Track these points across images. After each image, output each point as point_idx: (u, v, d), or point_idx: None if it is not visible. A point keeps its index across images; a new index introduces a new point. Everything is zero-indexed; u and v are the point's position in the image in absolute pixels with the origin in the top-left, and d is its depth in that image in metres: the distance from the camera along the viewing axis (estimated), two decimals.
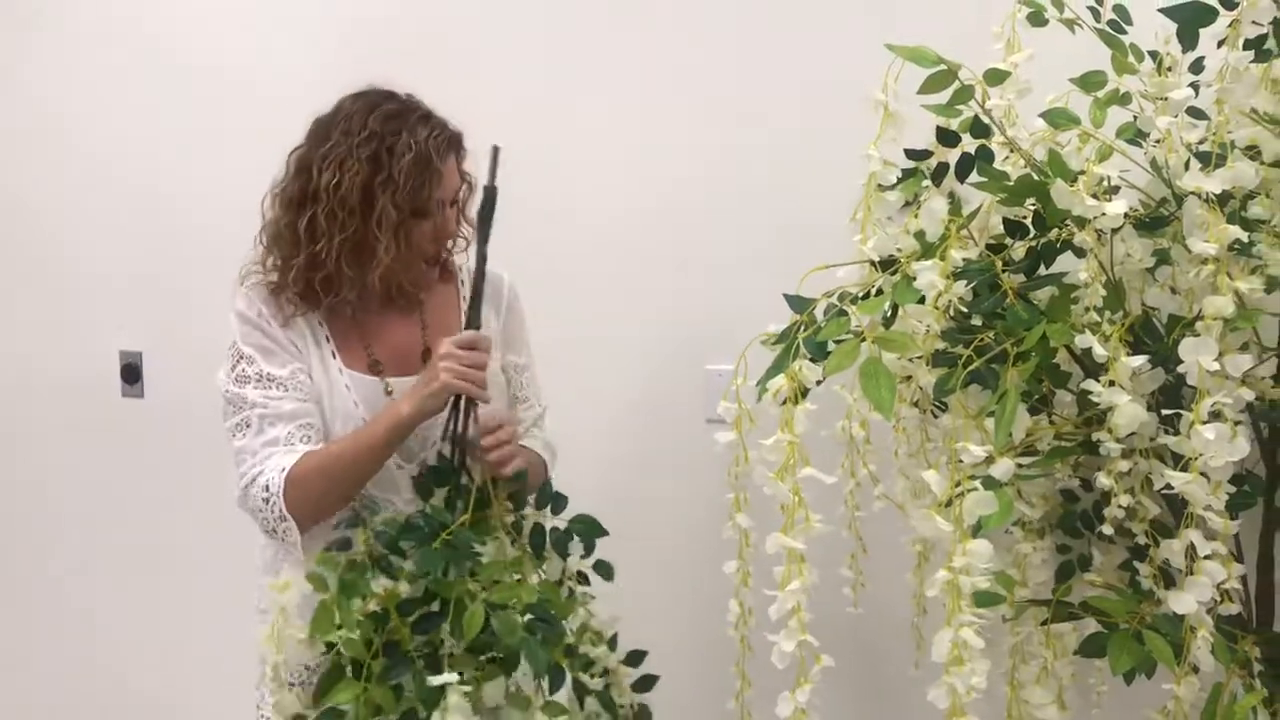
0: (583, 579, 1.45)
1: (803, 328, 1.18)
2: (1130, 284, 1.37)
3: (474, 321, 1.42)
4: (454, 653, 1.20)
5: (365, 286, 1.41)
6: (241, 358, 1.42)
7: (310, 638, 1.19)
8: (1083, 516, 1.39)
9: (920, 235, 1.20)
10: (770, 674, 1.17)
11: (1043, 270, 1.33)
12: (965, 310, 1.21)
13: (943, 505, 1.11)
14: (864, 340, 1.10)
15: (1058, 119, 1.29)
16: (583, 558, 1.45)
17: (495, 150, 1.39)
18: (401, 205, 1.37)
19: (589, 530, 1.45)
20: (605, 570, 1.45)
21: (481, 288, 1.41)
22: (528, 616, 1.23)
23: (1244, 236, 1.13)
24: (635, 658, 1.44)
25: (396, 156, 1.37)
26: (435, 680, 1.16)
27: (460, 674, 1.17)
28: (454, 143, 1.43)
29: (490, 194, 1.40)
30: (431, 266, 1.48)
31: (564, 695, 1.32)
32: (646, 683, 1.45)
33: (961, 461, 1.13)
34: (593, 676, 1.38)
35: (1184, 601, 1.11)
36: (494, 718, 1.23)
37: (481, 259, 1.41)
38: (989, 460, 1.15)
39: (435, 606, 1.24)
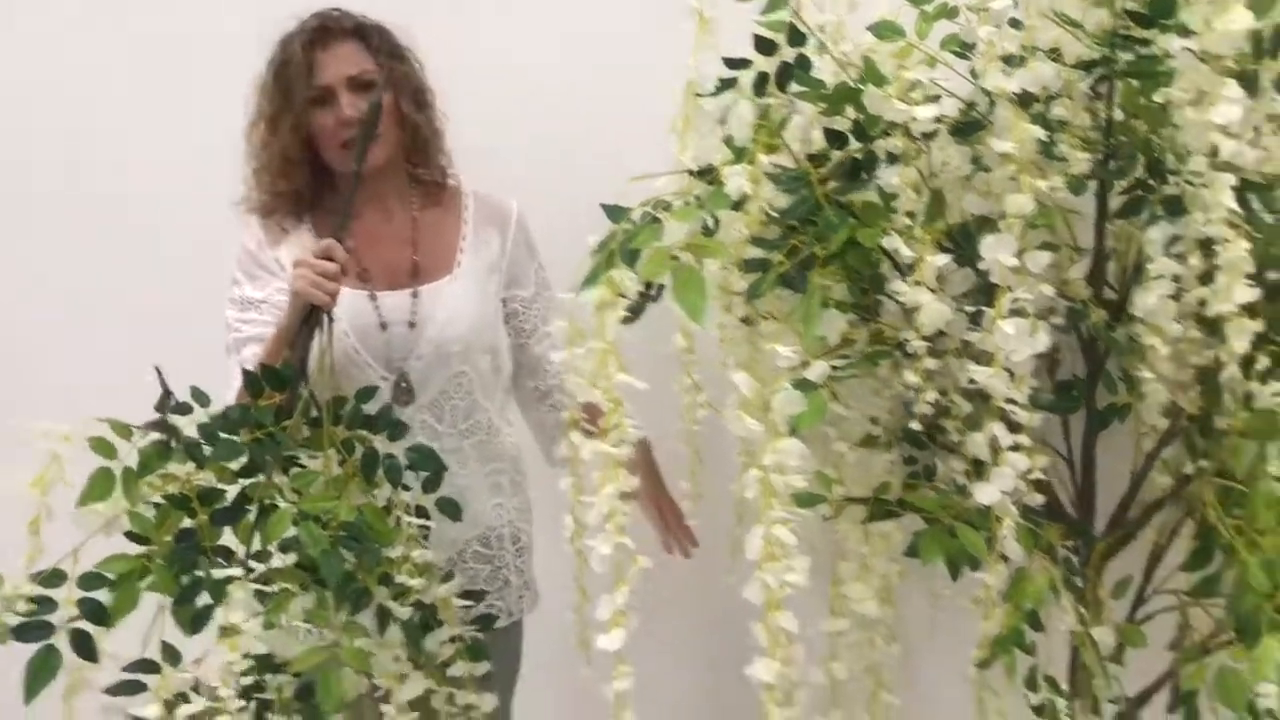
0: (422, 513, 1.42)
1: (619, 237, 1.18)
2: (950, 192, 1.40)
3: (340, 233, 1.42)
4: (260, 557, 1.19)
5: (306, 188, 1.51)
6: (234, 282, 1.54)
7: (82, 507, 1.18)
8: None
9: (729, 141, 1.20)
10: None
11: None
12: (778, 216, 1.22)
13: (758, 407, 1.13)
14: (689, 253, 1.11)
15: (883, 31, 1.31)
16: (426, 492, 1.44)
17: (387, 69, 1.48)
18: (274, 99, 1.49)
19: (423, 462, 1.42)
20: (450, 509, 1.44)
21: (352, 199, 1.44)
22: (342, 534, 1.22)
23: (1043, 136, 1.16)
24: (474, 596, 1.46)
25: (271, 58, 1.51)
26: (222, 573, 1.15)
27: (248, 569, 1.15)
28: (324, 33, 1.50)
29: (372, 109, 1.44)
30: (343, 150, 1.49)
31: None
32: (486, 621, 1.45)
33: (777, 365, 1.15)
34: (403, 605, 1.35)
35: (988, 492, 1.15)
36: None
37: (354, 175, 1.44)
38: (805, 364, 1.17)
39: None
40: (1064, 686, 1.29)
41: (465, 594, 1.46)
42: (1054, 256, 1.41)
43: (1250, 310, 1.21)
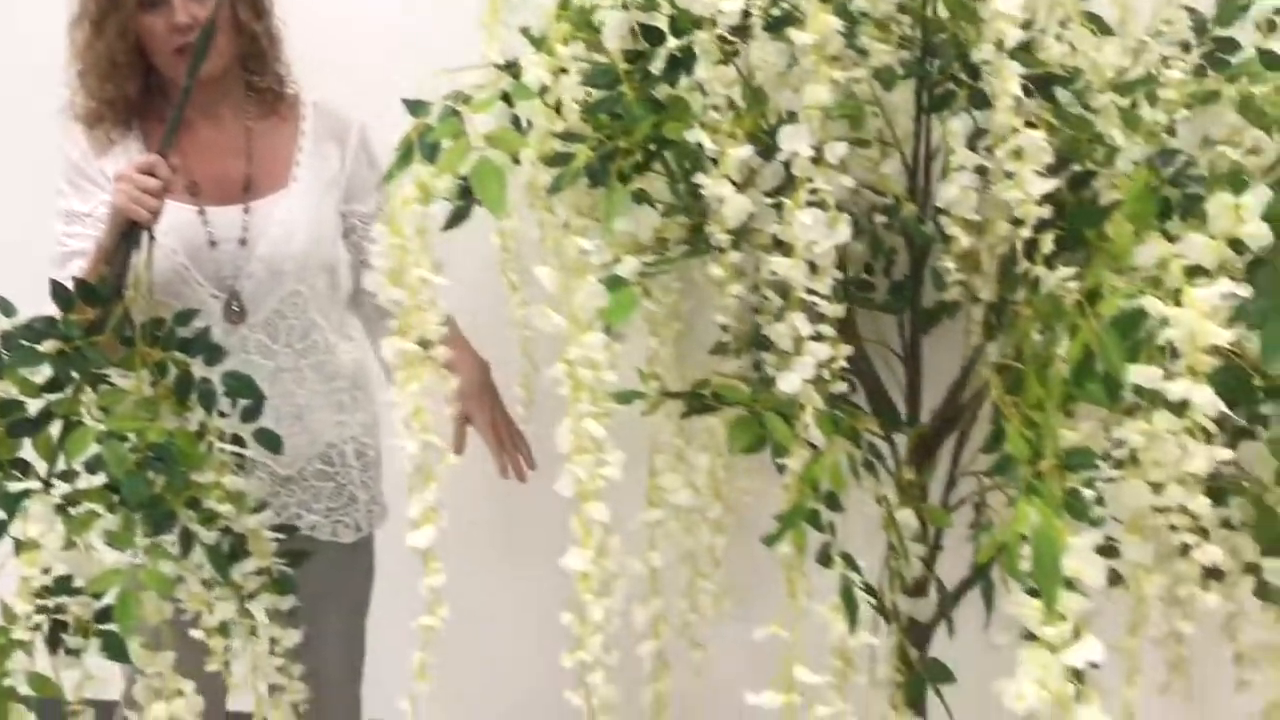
0: (238, 442, 1.40)
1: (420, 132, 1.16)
2: (770, 88, 1.41)
3: (165, 148, 1.37)
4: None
5: (135, 95, 1.46)
6: (60, 194, 1.49)
7: None
8: None
9: (527, 31, 1.19)
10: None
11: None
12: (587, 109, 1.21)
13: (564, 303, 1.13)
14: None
15: None
16: (245, 421, 1.41)
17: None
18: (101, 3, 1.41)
19: (240, 389, 1.39)
20: (270, 440, 1.41)
21: (181, 113, 1.38)
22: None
23: (840, 26, 1.17)
24: (285, 530, 1.44)
25: None
26: (18, 486, 1.12)
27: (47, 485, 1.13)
28: None
29: (206, 29, 1.38)
30: (176, 56, 1.43)
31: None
32: (298, 556, 1.44)
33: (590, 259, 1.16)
34: (209, 530, 1.33)
35: (790, 380, 1.18)
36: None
37: (184, 90, 1.38)
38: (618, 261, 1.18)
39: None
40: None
41: (279, 527, 1.43)
42: (867, 152, 1.46)
43: (1051, 200, 1.26)
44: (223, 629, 1.36)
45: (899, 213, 1.40)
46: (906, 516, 1.29)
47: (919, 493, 1.38)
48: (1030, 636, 0.91)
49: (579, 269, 1.15)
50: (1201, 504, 1.02)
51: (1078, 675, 1.06)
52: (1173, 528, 1.03)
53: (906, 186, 1.50)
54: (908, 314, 1.55)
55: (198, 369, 1.37)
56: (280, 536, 1.41)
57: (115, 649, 1.21)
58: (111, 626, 1.17)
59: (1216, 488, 1.24)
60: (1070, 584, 0.91)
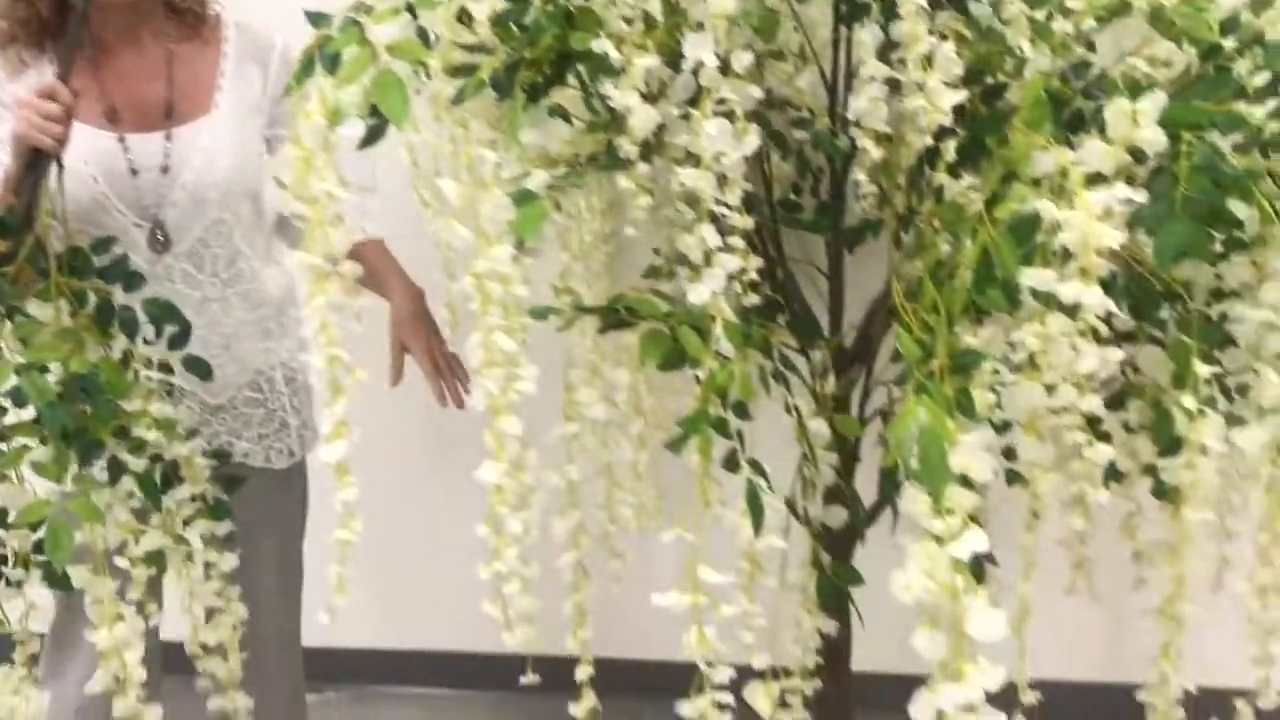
0: (166, 369, 1.39)
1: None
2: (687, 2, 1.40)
3: (64, 71, 1.33)
4: None
5: (49, 15, 1.41)
6: None
7: None
8: None
9: None
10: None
11: None
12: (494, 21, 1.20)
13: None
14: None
15: None
16: (173, 349, 1.40)
17: None
18: None
19: (163, 315, 1.38)
20: (200, 368, 1.40)
21: (77, 39, 1.34)
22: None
23: None
24: (220, 455, 1.44)
25: None
26: None
27: None
28: None
29: None
30: None
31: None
32: (232, 483, 1.44)
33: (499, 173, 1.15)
34: (139, 458, 1.33)
35: (699, 292, 1.19)
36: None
37: (82, 11, 1.34)
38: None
39: None
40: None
41: (212, 454, 1.43)
42: (783, 65, 1.47)
43: (964, 113, 1.27)
44: (155, 557, 1.36)
45: (812, 126, 1.41)
46: (819, 426, 1.31)
47: (835, 404, 1.41)
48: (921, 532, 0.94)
49: (487, 183, 1.15)
50: (1093, 404, 1.04)
51: (972, 569, 1.10)
52: (1068, 428, 1.06)
53: (826, 101, 1.51)
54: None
55: (119, 298, 1.35)
56: (213, 463, 1.41)
57: (54, 579, 1.22)
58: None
59: (1117, 393, 1.28)
60: (961, 480, 0.94)
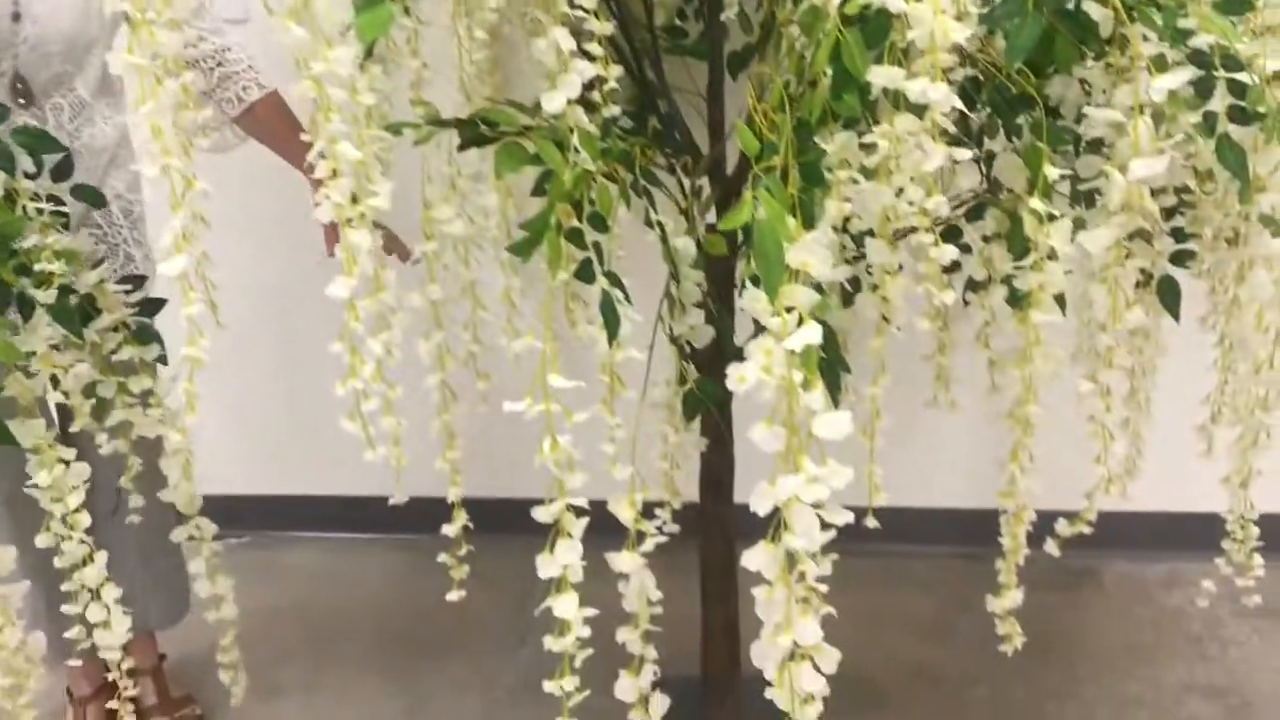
0: (56, 201, 1.33)
1: None
2: None
3: None
4: None
5: None
6: None
7: None
8: None
9: None
10: None
11: None
12: None
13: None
14: None
15: None
16: (33, 177, 1.33)
17: None
18: None
19: (37, 144, 1.30)
20: (89, 196, 1.36)
21: None
22: None
23: None
24: (135, 281, 1.40)
25: None
26: None
27: None
28: None
29: None
30: None
31: None
32: (151, 306, 1.40)
33: None
34: (46, 291, 1.28)
35: (553, 100, 1.16)
36: None
37: None
38: None
39: None
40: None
41: (126, 279, 1.39)
42: None
43: None
44: (87, 390, 1.34)
45: None
46: (685, 244, 1.30)
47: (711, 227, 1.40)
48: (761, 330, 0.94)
49: None
50: (938, 203, 1.04)
51: (826, 376, 1.11)
52: (913, 229, 1.06)
53: None
54: None
55: None
56: (128, 288, 1.38)
57: None
58: None
59: (976, 205, 1.29)
60: (800, 278, 0.93)
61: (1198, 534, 1.61)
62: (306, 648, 2.19)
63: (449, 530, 1.39)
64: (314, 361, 1.21)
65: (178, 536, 1.45)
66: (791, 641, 0.99)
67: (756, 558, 0.98)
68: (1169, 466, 1.66)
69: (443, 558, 1.52)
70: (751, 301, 0.94)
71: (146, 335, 1.38)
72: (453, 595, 1.51)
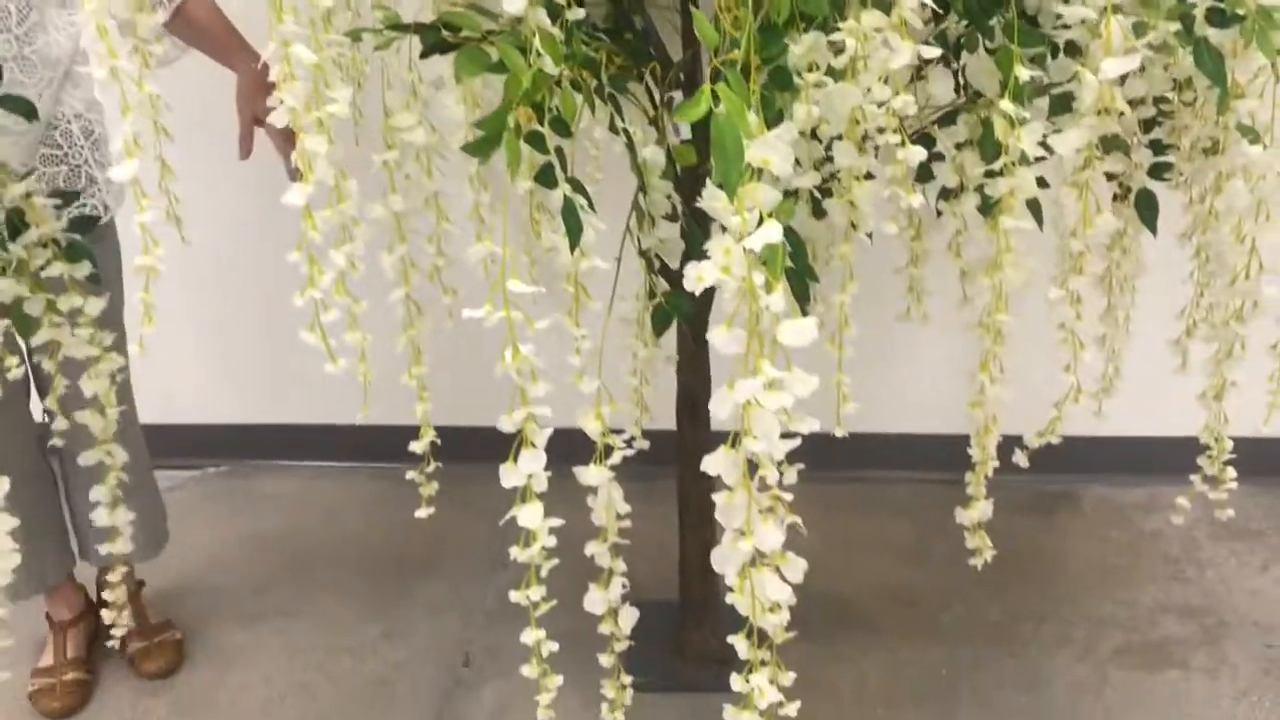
0: None
1: None
2: None
3: None
4: None
5: None
6: None
7: None
8: None
9: None
10: None
11: None
12: None
13: None
14: None
15: None
16: None
17: None
18: None
19: None
20: (20, 107, 1.31)
21: None
22: None
23: None
24: (68, 197, 1.37)
25: None
26: None
27: None
28: None
29: None
30: None
31: None
32: (85, 223, 1.37)
33: None
34: None
35: (514, 2, 1.12)
36: None
37: None
38: None
39: None
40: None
41: (57, 194, 1.36)
42: None
43: None
44: (14, 308, 1.31)
45: None
46: (654, 154, 1.28)
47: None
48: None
49: None
50: (905, 102, 1.02)
51: (794, 288, 1.09)
52: (880, 130, 1.04)
53: None
54: None
55: None
56: (58, 202, 1.34)
57: None
58: None
59: (950, 112, 1.26)
60: (761, 176, 0.91)
61: (1179, 458, 1.61)
62: (285, 575, 2.19)
63: (416, 447, 1.38)
64: (290, 289, 1.20)
65: (86, 461, 1.43)
66: (752, 547, 0.99)
67: (716, 462, 0.97)
68: (1150, 391, 1.65)
69: (411, 475, 1.51)
70: (710, 200, 0.92)
71: (77, 252, 1.34)
72: (421, 512, 1.50)
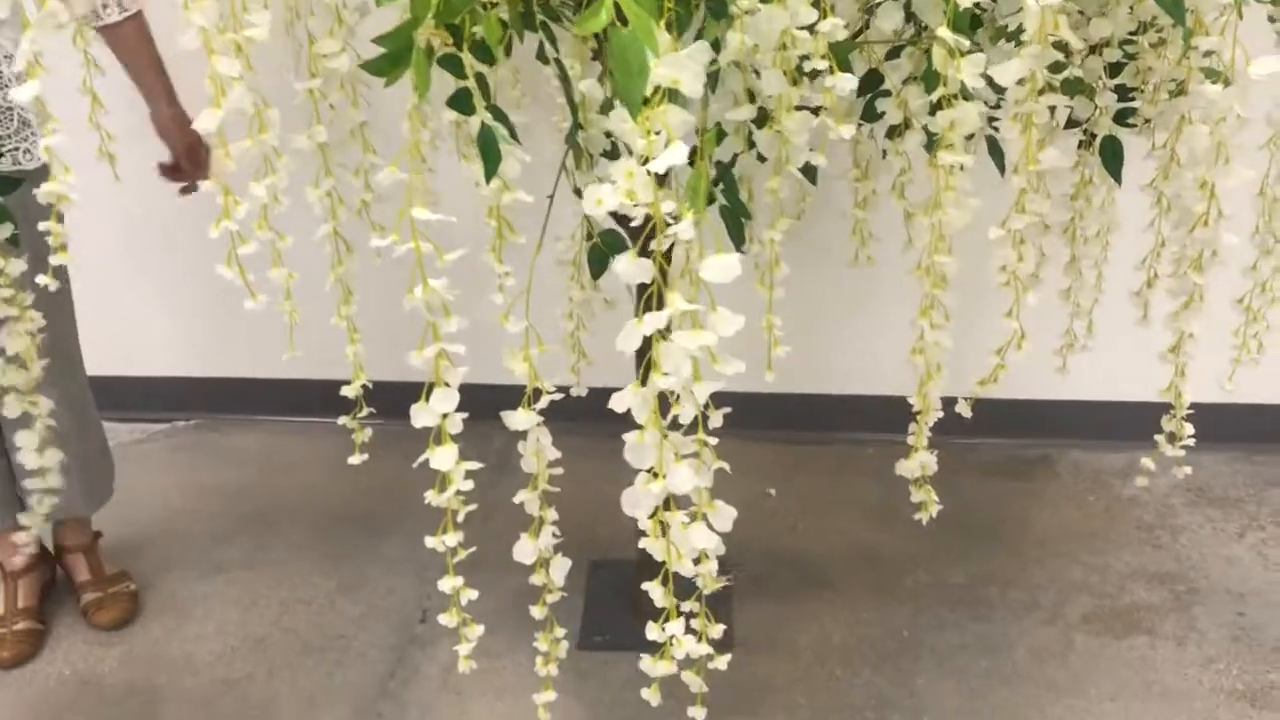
0: None
1: None
2: None
3: None
4: None
5: None
6: None
7: None
8: None
9: None
10: None
11: None
12: None
13: None
14: None
15: None
16: None
17: None
18: None
19: None
20: None
21: None
22: None
23: None
24: (18, 181, 1.33)
25: None
26: None
27: None
28: None
29: None
30: None
31: None
32: (7, 184, 1.32)
33: None
34: None
35: None
36: None
37: None
38: None
39: None
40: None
41: None
42: None
43: None
44: None
45: None
46: (591, 87, 1.23)
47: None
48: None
49: None
50: (834, 25, 0.97)
51: (730, 227, 1.04)
52: (805, 57, 0.99)
53: None
54: None
55: None
56: None
57: None
58: None
59: (895, 47, 1.21)
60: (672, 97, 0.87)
61: (1157, 425, 1.56)
62: (246, 528, 2.17)
63: (348, 391, 1.35)
64: None
65: (10, 412, 1.39)
66: (664, 489, 0.95)
67: (624, 399, 0.93)
68: (1131, 356, 1.60)
69: (343, 420, 1.48)
70: (617, 122, 0.87)
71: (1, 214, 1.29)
72: (354, 459, 1.46)
